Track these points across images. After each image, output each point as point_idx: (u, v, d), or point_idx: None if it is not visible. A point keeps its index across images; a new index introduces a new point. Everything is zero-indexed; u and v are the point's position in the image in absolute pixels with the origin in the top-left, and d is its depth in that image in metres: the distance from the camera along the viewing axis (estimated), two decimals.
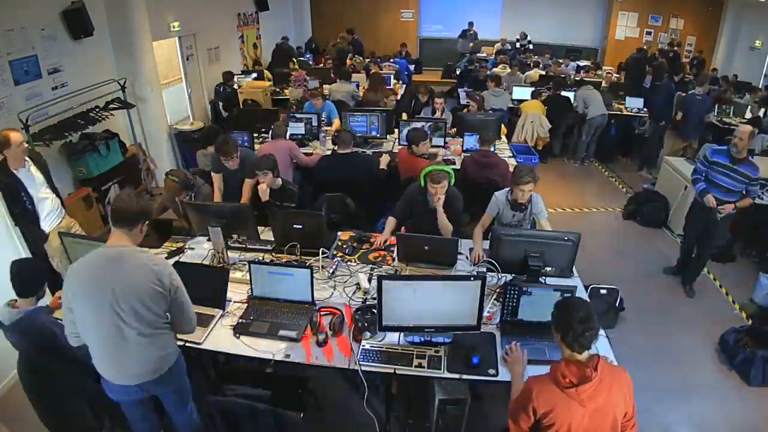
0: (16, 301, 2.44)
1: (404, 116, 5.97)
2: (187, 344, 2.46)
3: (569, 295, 2.42)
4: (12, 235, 3.49)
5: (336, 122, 6.06)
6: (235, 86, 7.70)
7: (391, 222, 3.55)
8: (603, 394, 1.83)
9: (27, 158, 3.51)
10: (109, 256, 2.04)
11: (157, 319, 2.10)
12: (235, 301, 2.79)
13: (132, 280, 2.01)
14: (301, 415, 2.33)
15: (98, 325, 2.04)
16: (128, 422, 2.45)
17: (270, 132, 4.86)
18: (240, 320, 2.65)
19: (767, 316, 3.94)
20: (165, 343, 2.19)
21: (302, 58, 10.32)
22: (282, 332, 2.56)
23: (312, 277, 2.70)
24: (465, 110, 6.68)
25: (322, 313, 2.72)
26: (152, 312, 2.07)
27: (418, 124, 5.07)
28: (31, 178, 3.51)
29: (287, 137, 4.93)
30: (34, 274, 2.51)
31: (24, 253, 3.49)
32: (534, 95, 7.06)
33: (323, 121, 5.88)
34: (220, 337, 2.57)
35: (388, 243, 3.40)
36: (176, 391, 2.35)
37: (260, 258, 3.15)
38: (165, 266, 2.12)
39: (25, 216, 3.48)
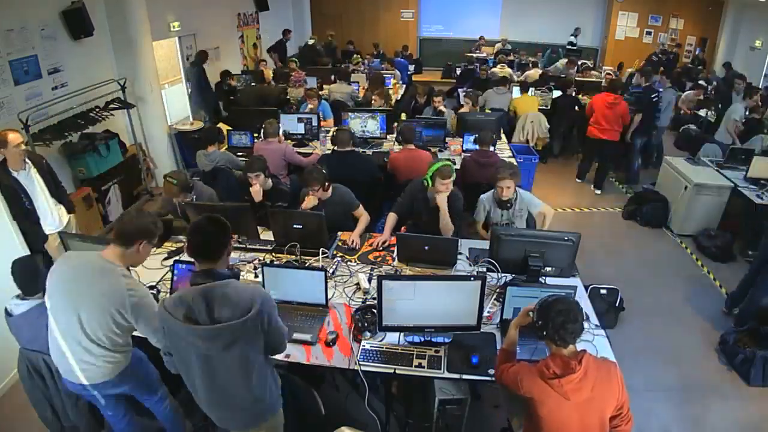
0: None
1: (403, 116, 5.96)
2: None
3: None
4: (12, 232, 3.48)
5: (330, 121, 6.08)
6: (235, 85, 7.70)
7: (391, 218, 3.53)
8: (587, 388, 1.84)
9: (27, 161, 3.50)
10: (95, 265, 2.08)
11: (113, 340, 2.13)
12: None
13: (102, 300, 2.04)
14: (301, 415, 2.33)
15: (59, 324, 2.11)
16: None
17: (262, 131, 4.84)
18: None
19: (767, 316, 3.94)
20: (115, 359, 2.20)
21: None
22: (296, 335, 2.51)
23: (326, 279, 2.68)
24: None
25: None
26: (108, 335, 2.10)
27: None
28: (31, 181, 3.51)
29: (280, 135, 4.91)
30: (37, 272, 2.50)
31: (24, 250, 3.47)
32: (523, 90, 7.18)
33: (321, 118, 5.87)
34: None
35: (387, 243, 3.40)
36: (134, 388, 2.39)
37: (260, 258, 3.15)
38: (138, 296, 2.09)
39: (24, 216, 3.47)
